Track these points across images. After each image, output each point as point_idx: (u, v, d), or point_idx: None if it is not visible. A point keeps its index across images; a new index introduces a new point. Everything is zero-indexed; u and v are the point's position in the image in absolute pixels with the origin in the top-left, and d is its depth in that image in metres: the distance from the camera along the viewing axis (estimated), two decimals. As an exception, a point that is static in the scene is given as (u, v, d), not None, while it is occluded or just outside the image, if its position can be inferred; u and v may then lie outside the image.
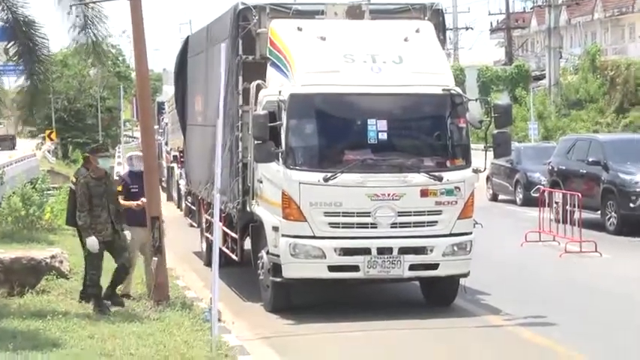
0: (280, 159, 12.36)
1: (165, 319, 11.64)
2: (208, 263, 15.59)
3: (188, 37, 19.49)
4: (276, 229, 12.42)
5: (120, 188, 13.35)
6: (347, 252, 12.24)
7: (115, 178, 17.43)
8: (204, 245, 17.24)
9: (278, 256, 12.40)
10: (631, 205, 20.23)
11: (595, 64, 51.50)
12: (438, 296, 13.26)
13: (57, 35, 67.80)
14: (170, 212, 22.92)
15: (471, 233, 12.67)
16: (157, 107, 35.83)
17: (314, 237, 12.21)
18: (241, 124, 13.70)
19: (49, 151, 55.85)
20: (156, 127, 30.65)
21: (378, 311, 12.79)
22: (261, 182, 13.02)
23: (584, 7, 65.42)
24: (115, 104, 61.10)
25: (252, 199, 13.38)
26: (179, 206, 26.60)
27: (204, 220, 17.07)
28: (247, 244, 14.33)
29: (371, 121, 12.44)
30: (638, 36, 62.26)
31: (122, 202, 13.19)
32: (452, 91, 12.69)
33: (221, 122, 11.18)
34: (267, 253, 12.69)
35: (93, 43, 16.38)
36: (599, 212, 20.94)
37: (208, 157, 15.19)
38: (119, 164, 39.50)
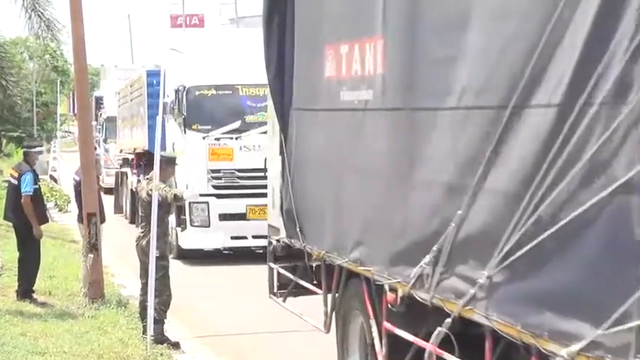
0: None
1: (99, 317, 11.55)
2: None
3: None
4: None
5: None
6: None
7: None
8: None
9: None
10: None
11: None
12: None
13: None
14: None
15: None
16: (94, 102, 35.45)
17: None
18: None
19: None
20: (94, 122, 30.19)
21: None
22: None
23: None
24: (52, 99, 60.50)
25: None
26: (133, 221, 21.04)
27: (378, 345, 7.22)
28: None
29: None
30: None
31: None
32: None
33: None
34: None
35: (47, 21, 17.03)
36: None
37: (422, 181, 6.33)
38: (54, 159, 39.06)
